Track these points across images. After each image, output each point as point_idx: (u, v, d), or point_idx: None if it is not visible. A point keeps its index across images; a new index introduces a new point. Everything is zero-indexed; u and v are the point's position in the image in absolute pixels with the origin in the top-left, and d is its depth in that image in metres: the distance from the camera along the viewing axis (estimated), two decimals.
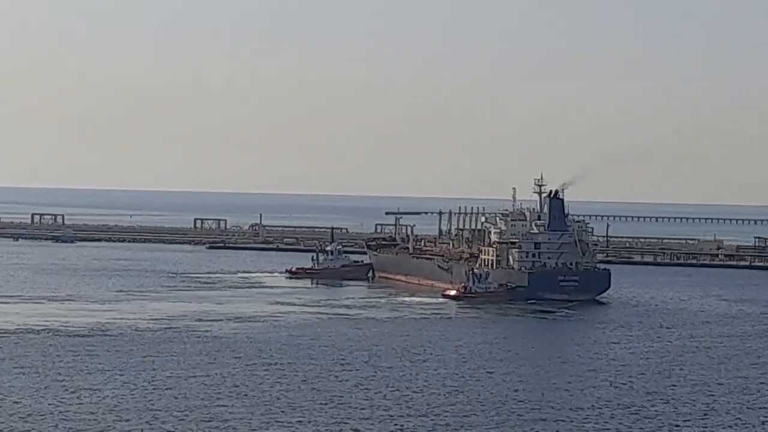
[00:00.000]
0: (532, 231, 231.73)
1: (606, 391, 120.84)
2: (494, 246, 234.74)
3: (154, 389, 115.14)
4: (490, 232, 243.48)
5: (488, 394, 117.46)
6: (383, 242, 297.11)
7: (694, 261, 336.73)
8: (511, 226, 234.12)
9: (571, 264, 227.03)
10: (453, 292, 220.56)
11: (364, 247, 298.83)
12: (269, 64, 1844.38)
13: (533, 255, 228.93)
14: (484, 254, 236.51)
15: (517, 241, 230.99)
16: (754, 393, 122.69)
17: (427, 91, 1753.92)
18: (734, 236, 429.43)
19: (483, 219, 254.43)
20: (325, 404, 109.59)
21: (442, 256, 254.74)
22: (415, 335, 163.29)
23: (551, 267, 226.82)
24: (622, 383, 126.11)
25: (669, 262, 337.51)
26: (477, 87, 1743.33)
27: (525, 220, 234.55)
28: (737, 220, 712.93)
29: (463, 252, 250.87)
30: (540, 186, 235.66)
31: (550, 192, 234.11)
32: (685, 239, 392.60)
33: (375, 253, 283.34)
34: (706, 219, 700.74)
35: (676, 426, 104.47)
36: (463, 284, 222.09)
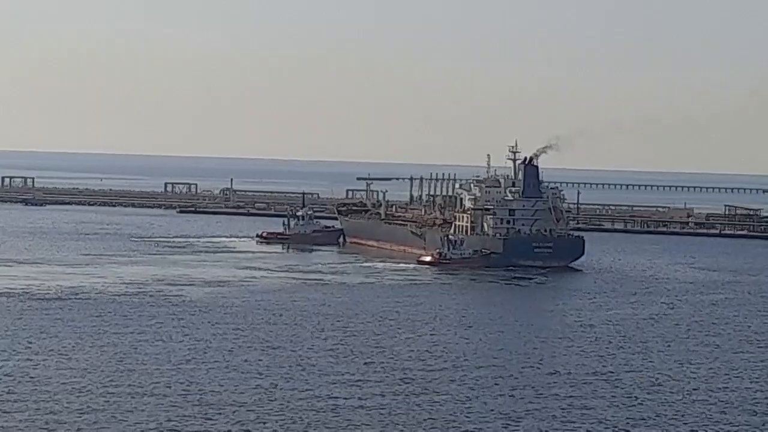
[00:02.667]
0: (506, 198, 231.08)
1: (577, 358, 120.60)
2: (468, 212, 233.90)
3: (124, 353, 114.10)
4: (462, 199, 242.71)
5: (462, 360, 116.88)
6: (354, 208, 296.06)
7: (665, 229, 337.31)
8: (486, 192, 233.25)
9: (546, 231, 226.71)
10: (428, 258, 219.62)
11: (334, 213, 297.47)
12: (241, 31, 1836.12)
13: (508, 222, 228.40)
14: (459, 220, 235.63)
15: (491, 207, 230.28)
16: (724, 360, 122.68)
17: (400, 57, 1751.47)
18: (704, 204, 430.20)
19: (458, 185, 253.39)
20: (297, 370, 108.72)
21: (415, 222, 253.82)
22: (390, 301, 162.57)
23: (525, 234, 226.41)
24: (594, 350, 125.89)
25: (639, 229, 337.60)
26: (452, 54, 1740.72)
27: (499, 186, 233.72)
28: (707, 188, 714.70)
29: (436, 218, 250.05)
30: (514, 153, 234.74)
31: (525, 159, 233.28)
32: (656, 207, 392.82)
33: (346, 218, 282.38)
34: (676, 187, 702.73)
35: (646, 392, 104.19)
36: (437, 250, 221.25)
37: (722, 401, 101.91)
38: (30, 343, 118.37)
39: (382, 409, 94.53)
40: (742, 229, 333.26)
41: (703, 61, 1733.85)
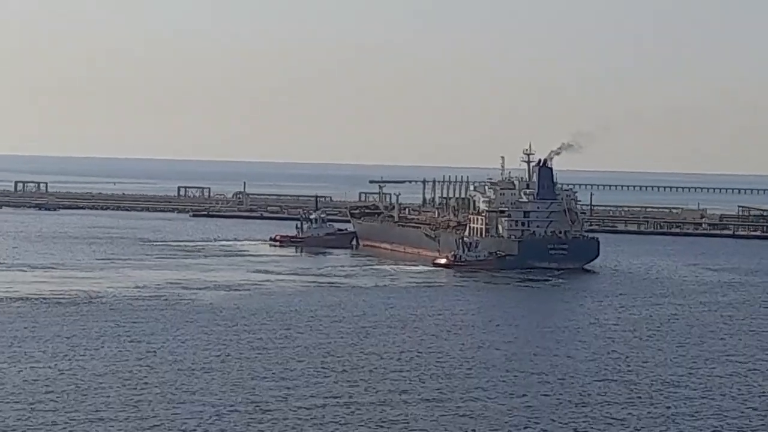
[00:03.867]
0: (521, 200, 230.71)
1: (592, 359, 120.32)
2: (483, 214, 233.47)
3: (138, 357, 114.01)
4: (475, 201, 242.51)
5: (477, 361, 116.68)
6: (367, 210, 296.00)
7: (678, 230, 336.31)
8: (500, 194, 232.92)
9: (561, 232, 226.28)
10: (443, 261, 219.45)
11: (347, 216, 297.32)
12: (254, 34, 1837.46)
13: (523, 224, 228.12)
14: (473, 223, 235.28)
15: (506, 209, 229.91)
16: (738, 361, 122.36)
17: (414, 58, 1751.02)
18: (718, 205, 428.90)
19: (472, 187, 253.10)
20: (313, 373, 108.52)
21: (429, 224, 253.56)
22: (406, 303, 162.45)
23: (540, 235, 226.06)
24: (608, 351, 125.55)
25: (653, 230, 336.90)
26: (464, 55, 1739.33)
27: (514, 188, 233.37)
28: (721, 188, 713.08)
29: (450, 220, 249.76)
30: (528, 155, 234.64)
31: (539, 161, 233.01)
32: (669, 208, 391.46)
33: (359, 221, 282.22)
34: (689, 188, 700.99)
35: (660, 393, 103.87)
36: (453, 252, 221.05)
37: (737, 402, 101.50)
38: (45, 347, 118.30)
39: (398, 410, 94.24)
40: (755, 230, 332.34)
41: (714, 59, 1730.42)
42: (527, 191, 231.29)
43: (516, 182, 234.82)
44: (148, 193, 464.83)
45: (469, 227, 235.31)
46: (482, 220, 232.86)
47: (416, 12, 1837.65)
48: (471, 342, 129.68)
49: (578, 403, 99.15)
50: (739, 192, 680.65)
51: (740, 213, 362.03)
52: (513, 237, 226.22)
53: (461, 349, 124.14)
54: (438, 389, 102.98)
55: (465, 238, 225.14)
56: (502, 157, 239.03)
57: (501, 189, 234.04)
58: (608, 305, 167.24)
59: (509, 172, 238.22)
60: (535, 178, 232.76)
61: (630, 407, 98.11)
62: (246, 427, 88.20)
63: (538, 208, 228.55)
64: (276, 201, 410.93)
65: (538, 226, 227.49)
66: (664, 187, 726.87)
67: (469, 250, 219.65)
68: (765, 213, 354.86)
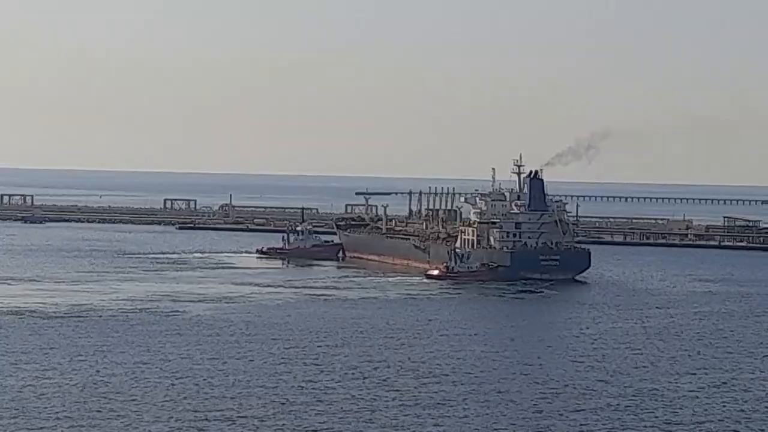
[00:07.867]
0: (512, 211, 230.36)
1: (582, 370, 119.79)
2: (474, 226, 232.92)
3: (124, 371, 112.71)
4: (462, 212, 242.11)
5: (469, 373, 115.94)
6: (353, 222, 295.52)
7: (664, 240, 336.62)
8: (491, 206, 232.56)
9: (552, 243, 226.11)
10: (435, 272, 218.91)
11: (333, 227, 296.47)
12: (239, 47, 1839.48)
13: (514, 235, 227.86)
14: (464, 234, 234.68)
15: (497, 221, 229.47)
16: (725, 370, 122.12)
17: (401, 68, 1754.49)
18: (703, 216, 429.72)
19: (462, 199, 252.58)
20: (304, 386, 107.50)
21: (418, 236, 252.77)
22: (399, 315, 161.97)
23: (532, 246, 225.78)
24: (599, 362, 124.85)
25: (639, 241, 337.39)
26: (453, 67, 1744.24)
27: (505, 200, 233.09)
28: (706, 199, 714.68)
29: (440, 232, 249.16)
30: (519, 166, 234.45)
31: (530, 172, 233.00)
32: (655, 219, 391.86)
33: (345, 233, 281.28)
34: (675, 199, 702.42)
35: (648, 401, 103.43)
36: (445, 264, 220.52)
37: (726, 411, 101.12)
38: (30, 360, 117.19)
39: (389, 423, 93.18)
40: (741, 241, 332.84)
41: (704, 69, 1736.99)
42: (518, 202, 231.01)
43: (507, 193, 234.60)
44: (134, 206, 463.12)
45: (460, 238, 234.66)
46: (473, 231, 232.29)
47: (401, 18, 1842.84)
48: (462, 353, 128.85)
49: (569, 412, 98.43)
50: (725, 203, 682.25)
51: (726, 224, 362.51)
52: (505, 248, 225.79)
53: (454, 359, 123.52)
54: (428, 399, 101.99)
55: (457, 250, 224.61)
56: (493, 169, 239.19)
57: (492, 200, 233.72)
58: (599, 316, 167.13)
59: (499, 184, 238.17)
60: (526, 189, 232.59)
61: (619, 416, 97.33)
62: None
63: (529, 219, 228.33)
64: (262, 213, 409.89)
65: (529, 237, 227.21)
66: (650, 198, 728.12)
67: (461, 262, 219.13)
68: (750, 223, 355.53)
